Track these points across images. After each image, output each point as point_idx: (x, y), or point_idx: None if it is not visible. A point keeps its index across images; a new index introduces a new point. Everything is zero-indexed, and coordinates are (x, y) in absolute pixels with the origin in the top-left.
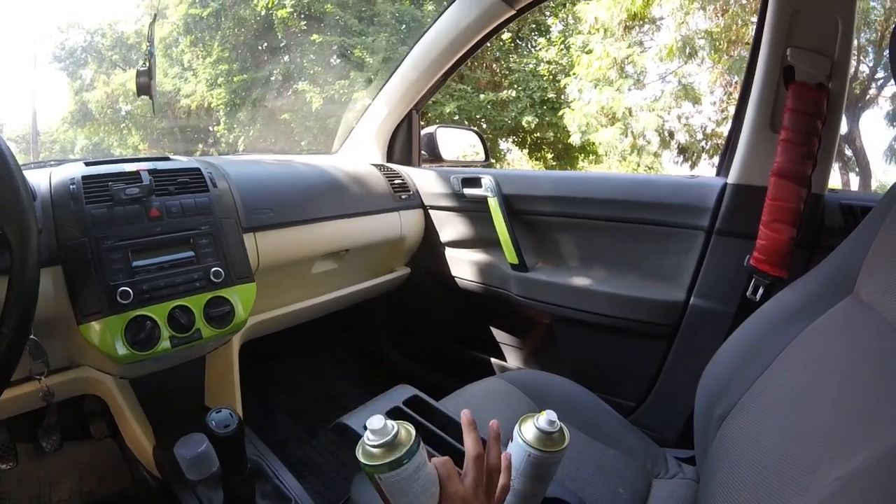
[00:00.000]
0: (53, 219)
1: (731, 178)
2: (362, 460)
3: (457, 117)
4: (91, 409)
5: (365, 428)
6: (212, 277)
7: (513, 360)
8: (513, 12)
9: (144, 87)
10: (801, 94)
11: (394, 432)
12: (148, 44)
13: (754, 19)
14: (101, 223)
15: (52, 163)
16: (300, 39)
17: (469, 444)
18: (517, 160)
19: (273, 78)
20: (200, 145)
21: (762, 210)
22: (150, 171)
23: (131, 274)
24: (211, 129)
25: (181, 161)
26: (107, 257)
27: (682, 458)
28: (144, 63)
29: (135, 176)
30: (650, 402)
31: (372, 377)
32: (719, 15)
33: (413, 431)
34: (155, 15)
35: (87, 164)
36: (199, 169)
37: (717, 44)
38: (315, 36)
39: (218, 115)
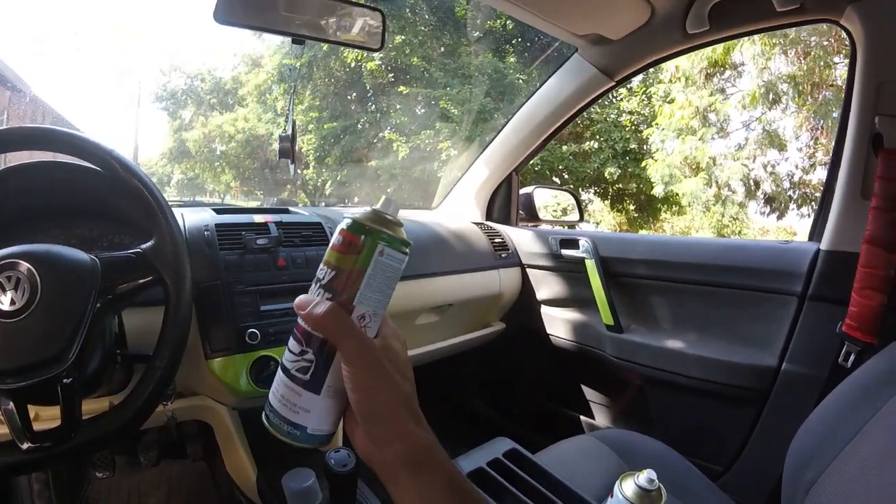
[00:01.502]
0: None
1: (824, 244)
2: (371, 228)
3: (538, 168)
4: (189, 431)
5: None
6: None
7: (601, 418)
8: (612, 83)
9: (286, 151)
10: (890, 162)
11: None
12: (288, 111)
13: (837, 59)
14: (232, 268)
15: (175, 203)
16: (387, 90)
17: None
18: (598, 211)
19: (360, 126)
20: (289, 186)
21: (854, 276)
22: (277, 224)
23: (259, 317)
24: (299, 172)
25: (303, 214)
26: (237, 300)
27: None
28: (285, 129)
29: (263, 227)
30: (738, 467)
31: (458, 427)
32: (801, 58)
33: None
34: (294, 87)
35: (217, 211)
36: (320, 223)
37: (801, 87)
38: (402, 87)
39: (307, 160)
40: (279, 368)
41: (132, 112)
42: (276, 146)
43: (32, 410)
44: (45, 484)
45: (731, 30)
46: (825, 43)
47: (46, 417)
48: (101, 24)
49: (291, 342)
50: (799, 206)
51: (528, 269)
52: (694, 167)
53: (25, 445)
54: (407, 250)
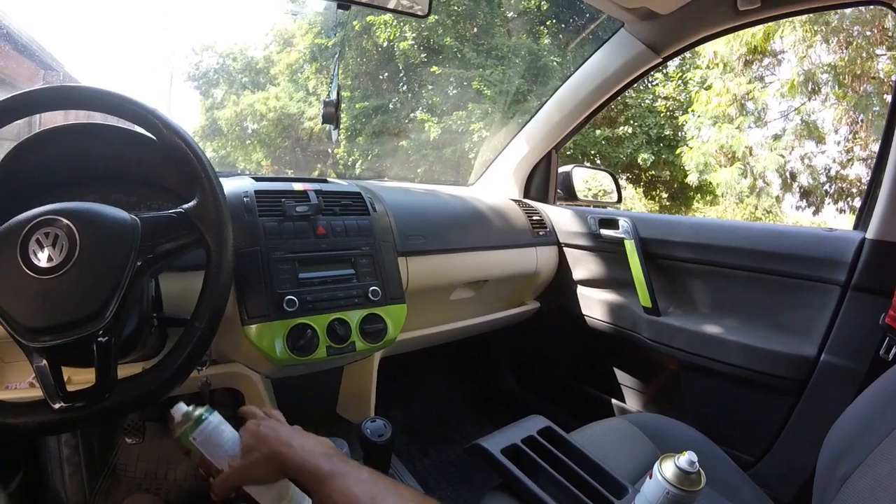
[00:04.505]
0: None
1: (871, 233)
2: (178, 431)
3: (570, 152)
4: (219, 400)
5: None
6: (369, 295)
7: (633, 402)
8: (658, 60)
9: (330, 116)
10: None
11: (193, 407)
12: (333, 77)
13: (879, 52)
14: (272, 235)
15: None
16: (419, 70)
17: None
18: (631, 198)
19: (392, 106)
20: (319, 165)
21: None
22: (317, 192)
23: (297, 284)
24: (330, 151)
25: (341, 184)
26: (276, 267)
27: None
28: (329, 94)
29: (303, 195)
30: (770, 458)
31: (488, 405)
32: (843, 48)
33: (207, 406)
34: (339, 51)
35: (256, 179)
36: (360, 193)
37: (841, 78)
38: (434, 67)
39: (338, 139)
40: None
41: (164, 90)
42: (307, 125)
43: (65, 374)
44: (74, 449)
45: (781, 8)
46: (868, 33)
47: (79, 382)
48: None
49: None
50: (835, 202)
51: (565, 249)
52: (730, 156)
53: (58, 405)
54: (206, 414)
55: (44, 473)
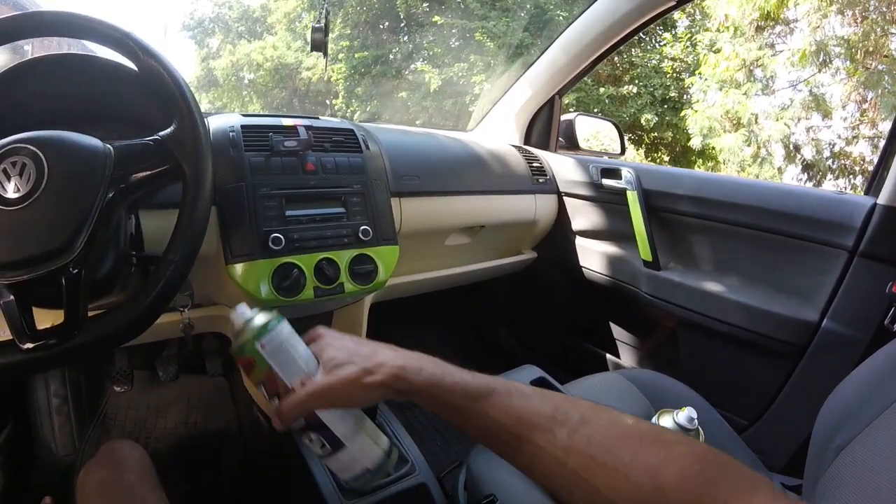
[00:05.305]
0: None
1: (882, 198)
2: (241, 339)
3: (573, 109)
4: (209, 347)
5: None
6: (360, 235)
7: (628, 357)
8: (673, 3)
9: (319, 42)
10: None
11: (258, 311)
12: (324, 1)
13: (894, 30)
14: (258, 171)
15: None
16: (421, 21)
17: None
18: (631, 159)
19: (392, 57)
20: (319, 117)
21: None
22: (307, 128)
23: (284, 222)
24: (328, 101)
25: (333, 121)
26: (262, 204)
27: (788, 486)
28: (319, 20)
29: (292, 130)
30: (763, 423)
31: (480, 356)
32: (857, 21)
33: (277, 311)
34: None
35: (244, 115)
36: (352, 130)
37: (854, 53)
38: (437, 17)
39: (336, 89)
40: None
41: (159, 40)
42: (305, 75)
43: (48, 320)
44: (63, 399)
45: None
46: (884, 9)
47: None
48: None
49: (312, 445)
50: (836, 178)
51: (564, 198)
52: (735, 122)
53: (27, 345)
54: (276, 321)
55: (33, 425)
